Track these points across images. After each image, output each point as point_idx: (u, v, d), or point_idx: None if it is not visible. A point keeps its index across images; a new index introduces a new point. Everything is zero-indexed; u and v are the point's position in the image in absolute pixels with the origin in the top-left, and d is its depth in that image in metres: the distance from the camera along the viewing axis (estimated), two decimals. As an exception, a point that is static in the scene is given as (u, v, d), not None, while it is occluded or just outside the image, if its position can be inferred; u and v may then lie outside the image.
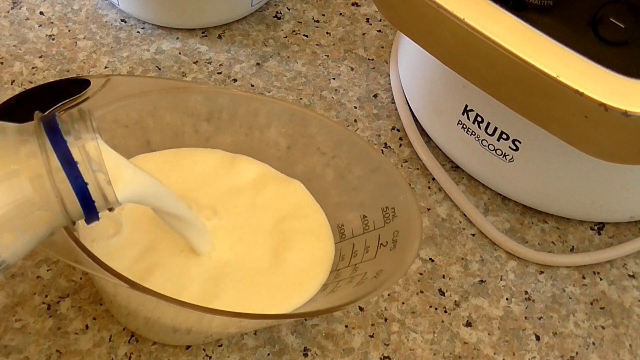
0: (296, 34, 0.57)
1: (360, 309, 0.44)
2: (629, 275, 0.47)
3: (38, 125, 0.29)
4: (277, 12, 0.58)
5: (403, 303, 0.44)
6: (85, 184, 0.29)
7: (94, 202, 0.30)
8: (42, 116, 0.30)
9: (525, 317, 0.44)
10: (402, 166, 0.50)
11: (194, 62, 0.54)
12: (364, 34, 0.57)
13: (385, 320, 0.43)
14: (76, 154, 0.29)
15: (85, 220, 0.31)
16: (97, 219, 0.31)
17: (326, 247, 0.42)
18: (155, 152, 0.43)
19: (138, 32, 0.55)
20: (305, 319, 0.43)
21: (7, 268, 0.30)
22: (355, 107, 0.53)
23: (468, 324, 0.44)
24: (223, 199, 0.42)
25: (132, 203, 0.34)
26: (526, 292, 0.46)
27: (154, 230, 0.39)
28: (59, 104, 0.37)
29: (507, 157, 0.45)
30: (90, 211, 0.30)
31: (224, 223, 0.41)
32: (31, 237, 0.30)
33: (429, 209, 0.48)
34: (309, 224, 0.42)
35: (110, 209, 0.31)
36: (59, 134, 0.29)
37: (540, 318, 0.45)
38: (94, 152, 0.30)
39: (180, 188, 0.41)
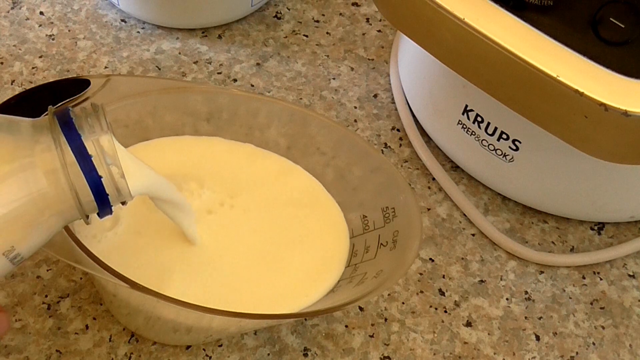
0: (296, 34, 0.57)
1: (360, 309, 0.44)
2: (629, 275, 0.47)
3: (52, 119, 0.30)
4: (277, 12, 0.58)
5: (403, 303, 0.44)
6: (100, 177, 0.30)
7: (107, 195, 0.30)
8: (55, 110, 0.30)
9: (525, 317, 0.45)
10: (402, 166, 0.50)
11: (194, 62, 0.54)
12: (364, 34, 0.57)
13: (385, 320, 0.43)
14: (90, 148, 0.30)
15: (98, 214, 0.31)
16: (110, 212, 0.31)
17: (340, 243, 0.41)
18: (153, 140, 0.43)
19: (138, 32, 0.55)
20: (305, 319, 0.43)
21: (22, 261, 0.30)
22: (355, 107, 0.53)
23: (468, 324, 0.44)
24: (213, 173, 0.42)
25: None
26: (526, 292, 0.46)
27: (151, 221, 0.39)
28: (60, 104, 0.37)
29: (507, 157, 0.45)
30: (104, 204, 0.31)
31: (225, 213, 0.41)
32: (45, 230, 0.30)
33: (429, 209, 0.48)
34: (321, 215, 0.42)
35: (123, 203, 0.32)
36: (73, 128, 0.30)
37: (540, 318, 0.45)
38: (107, 145, 0.30)
39: (175, 168, 0.41)
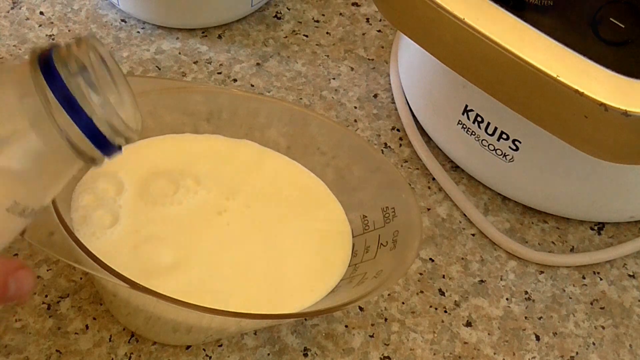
0: (296, 34, 0.57)
1: (360, 309, 0.44)
2: (629, 275, 0.47)
3: (33, 63, 0.27)
4: (277, 12, 0.58)
5: (403, 303, 0.44)
6: (90, 119, 0.27)
7: (104, 136, 0.28)
8: (38, 53, 0.28)
9: (525, 317, 0.45)
10: (402, 166, 0.50)
11: (194, 62, 0.54)
12: (364, 34, 0.57)
13: (385, 320, 0.43)
14: (75, 88, 0.27)
15: (105, 156, 0.29)
16: (118, 150, 0.29)
17: (342, 242, 0.41)
18: (152, 137, 0.43)
19: (138, 32, 0.55)
20: (305, 319, 0.43)
21: (35, 214, 0.29)
22: (355, 107, 0.53)
23: (468, 324, 0.44)
24: (211, 170, 0.42)
25: None
26: (526, 292, 0.46)
27: (151, 220, 0.39)
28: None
29: (507, 157, 0.45)
30: (102, 146, 0.28)
31: (225, 212, 0.41)
32: (52, 180, 0.29)
33: (429, 209, 0.48)
34: (323, 214, 0.42)
35: (127, 140, 0.29)
36: (53, 69, 0.27)
37: (540, 318, 0.45)
38: (95, 80, 0.28)
39: (173, 164, 0.41)
